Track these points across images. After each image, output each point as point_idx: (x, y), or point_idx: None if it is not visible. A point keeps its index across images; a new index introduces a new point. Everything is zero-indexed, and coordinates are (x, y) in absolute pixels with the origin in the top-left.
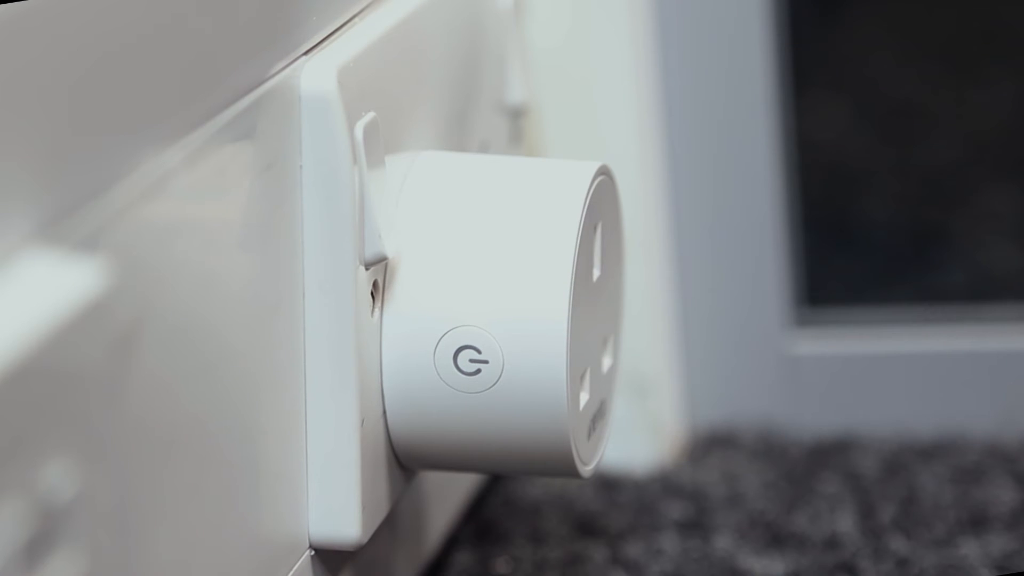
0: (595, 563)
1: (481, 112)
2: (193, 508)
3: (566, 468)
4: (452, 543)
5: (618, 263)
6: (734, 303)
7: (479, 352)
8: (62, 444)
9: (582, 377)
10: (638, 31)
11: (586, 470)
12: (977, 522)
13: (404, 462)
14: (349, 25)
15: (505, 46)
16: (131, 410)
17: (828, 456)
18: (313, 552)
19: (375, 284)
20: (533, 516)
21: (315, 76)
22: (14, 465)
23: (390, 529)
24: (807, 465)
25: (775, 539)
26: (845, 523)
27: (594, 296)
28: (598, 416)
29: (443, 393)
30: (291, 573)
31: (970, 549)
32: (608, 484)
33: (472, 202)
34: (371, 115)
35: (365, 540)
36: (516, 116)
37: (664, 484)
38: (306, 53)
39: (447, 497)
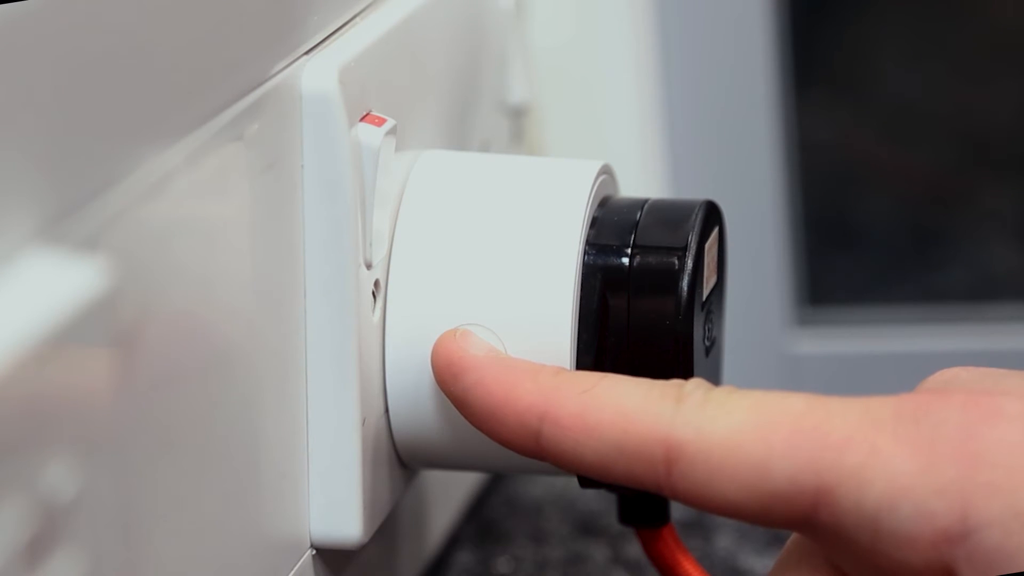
0: (596, 563)
1: (482, 111)
2: (194, 508)
3: None
4: (453, 542)
5: None
6: (735, 302)
7: None
8: (62, 444)
9: None
10: (640, 30)
11: None
12: None
13: (406, 461)
14: (350, 24)
15: (506, 45)
16: (131, 410)
17: None
18: (314, 552)
19: (376, 283)
20: (534, 515)
21: (316, 76)
22: (14, 465)
23: (391, 529)
24: None
25: (775, 538)
26: None
27: None
28: None
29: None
30: (292, 573)
31: None
32: None
33: (474, 201)
34: (392, 123)
35: (366, 540)
36: (517, 115)
37: None
38: (307, 52)
39: (448, 496)
